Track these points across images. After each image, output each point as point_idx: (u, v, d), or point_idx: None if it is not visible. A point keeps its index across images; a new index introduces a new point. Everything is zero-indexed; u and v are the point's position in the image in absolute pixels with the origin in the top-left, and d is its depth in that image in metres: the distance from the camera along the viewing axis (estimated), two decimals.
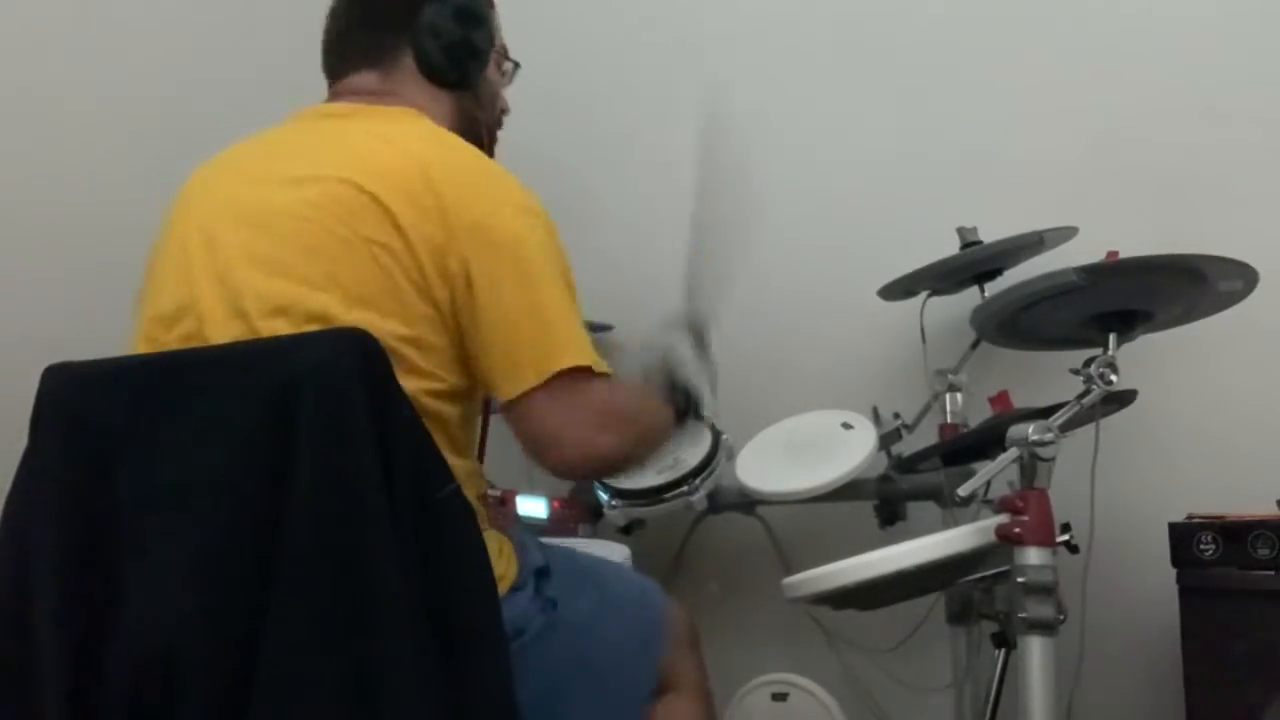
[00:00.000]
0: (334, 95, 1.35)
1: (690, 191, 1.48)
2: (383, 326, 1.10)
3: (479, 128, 1.38)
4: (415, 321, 1.14)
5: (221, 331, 1.14)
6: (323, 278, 1.13)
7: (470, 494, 1.15)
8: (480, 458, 1.33)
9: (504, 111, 1.46)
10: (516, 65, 1.47)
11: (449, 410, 1.18)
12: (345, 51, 1.35)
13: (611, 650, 1.28)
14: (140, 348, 1.20)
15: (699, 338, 1.43)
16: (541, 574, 1.26)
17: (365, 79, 1.33)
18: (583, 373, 1.17)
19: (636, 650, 1.32)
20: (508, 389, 1.16)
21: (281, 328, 1.11)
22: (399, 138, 1.23)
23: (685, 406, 1.33)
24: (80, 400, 1.06)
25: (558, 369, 1.15)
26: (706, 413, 1.37)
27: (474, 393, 1.23)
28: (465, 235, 1.15)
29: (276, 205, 1.18)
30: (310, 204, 1.16)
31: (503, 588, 1.16)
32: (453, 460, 1.11)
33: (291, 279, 1.14)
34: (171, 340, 1.17)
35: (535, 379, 1.15)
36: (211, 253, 1.18)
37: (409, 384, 1.07)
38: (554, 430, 1.17)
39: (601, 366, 1.19)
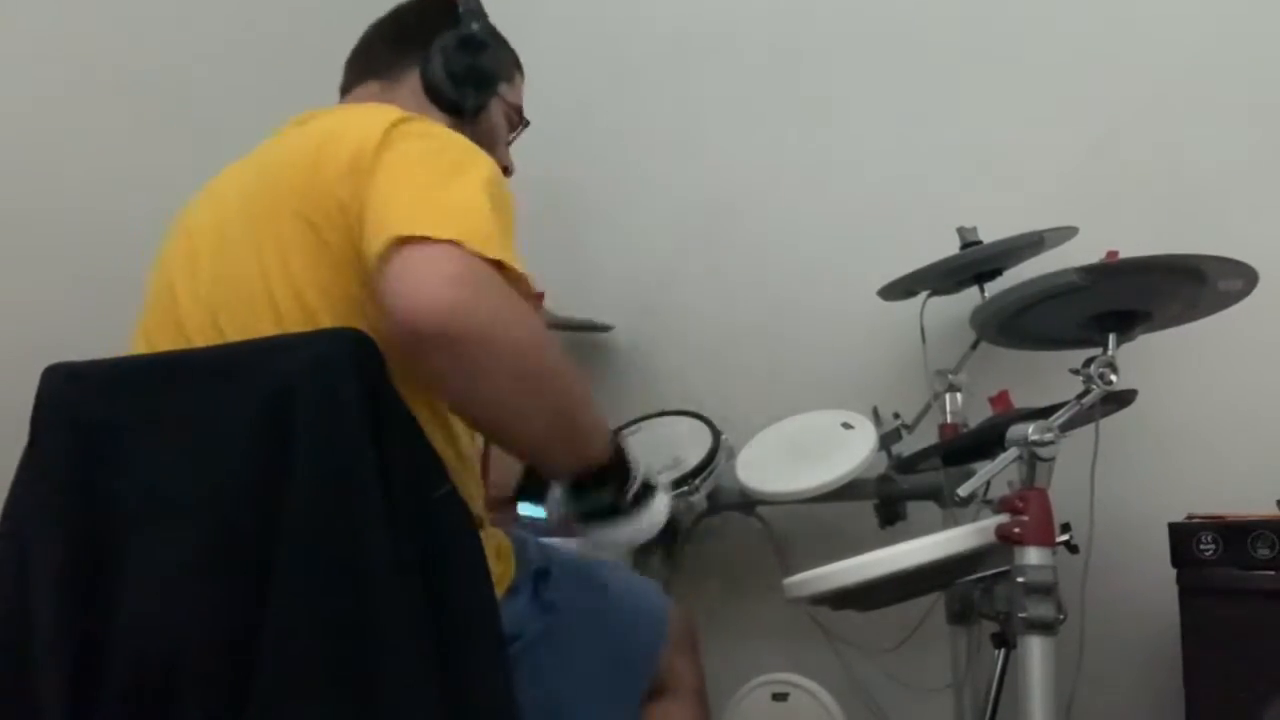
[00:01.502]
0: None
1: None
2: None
3: None
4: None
5: None
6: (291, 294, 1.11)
7: (472, 493, 1.15)
8: (485, 475, 1.32)
9: (507, 171, 1.44)
10: (526, 123, 1.48)
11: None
12: (360, 66, 1.39)
13: (609, 652, 1.28)
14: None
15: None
16: (540, 576, 1.26)
17: (368, 89, 1.36)
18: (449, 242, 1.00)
19: (634, 652, 1.32)
20: (373, 240, 1.01)
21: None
22: (329, 126, 1.19)
23: (619, 458, 1.17)
24: (80, 401, 1.06)
25: (407, 232, 0.99)
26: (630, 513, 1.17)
27: None
28: (348, 176, 1.08)
29: (232, 216, 1.17)
30: (251, 215, 1.15)
31: (500, 589, 1.16)
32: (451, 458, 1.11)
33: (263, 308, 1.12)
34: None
35: (394, 233, 0.99)
36: (193, 294, 1.17)
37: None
38: (405, 272, 0.98)
39: (486, 247, 1.00)
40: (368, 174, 1.07)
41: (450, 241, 0.98)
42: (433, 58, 1.34)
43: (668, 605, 1.40)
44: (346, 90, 1.39)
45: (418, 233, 0.98)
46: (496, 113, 1.42)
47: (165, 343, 1.15)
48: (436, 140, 1.14)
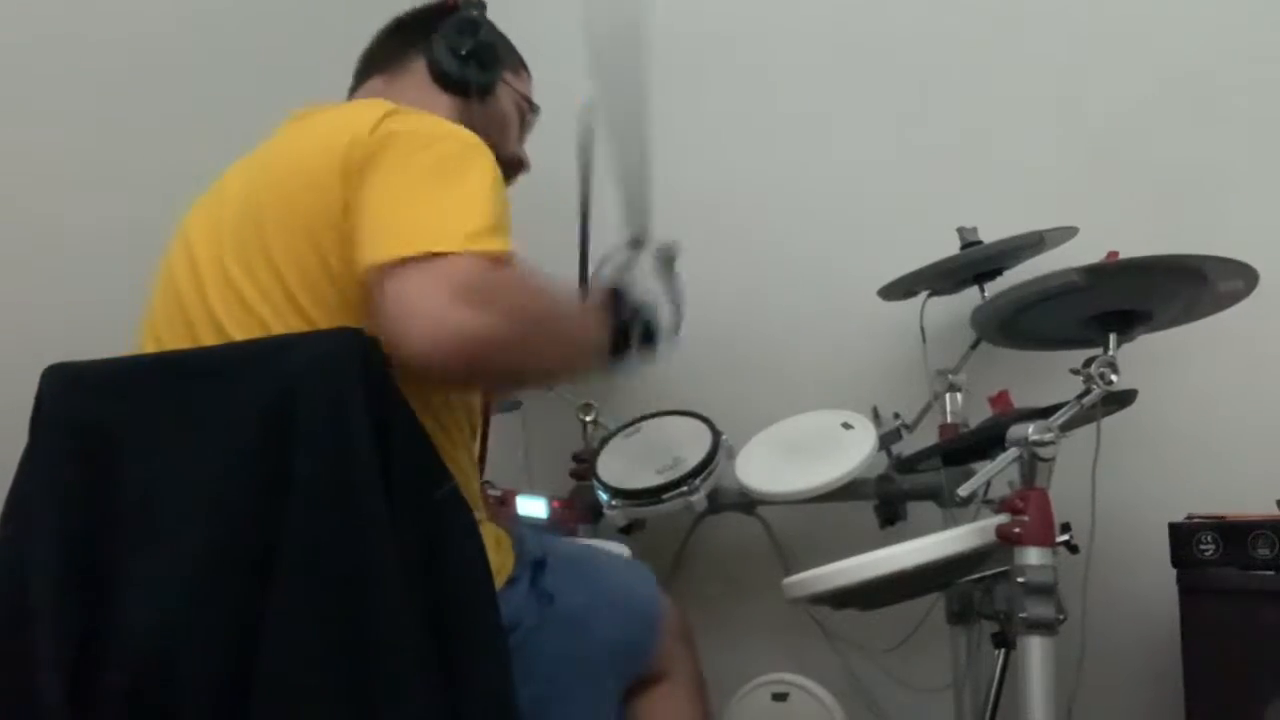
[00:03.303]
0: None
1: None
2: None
3: None
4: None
5: None
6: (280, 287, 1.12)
7: (468, 490, 1.15)
8: (481, 467, 1.33)
9: (523, 164, 1.47)
10: (536, 110, 1.49)
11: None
12: (364, 66, 1.41)
13: (605, 643, 1.29)
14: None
15: (664, 260, 1.37)
16: (538, 566, 1.27)
17: (372, 85, 1.38)
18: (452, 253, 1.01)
19: (629, 640, 1.33)
20: (364, 258, 1.03)
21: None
22: (319, 129, 1.19)
23: (632, 324, 1.22)
24: (80, 401, 1.06)
25: (415, 250, 1.00)
26: (663, 340, 1.26)
27: None
28: (339, 184, 1.09)
29: (231, 217, 1.18)
30: (250, 217, 1.15)
31: (500, 580, 1.17)
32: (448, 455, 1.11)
33: (258, 296, 1.12)
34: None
35: (385, 255, 1.00)
36: (196, 286, 1.17)
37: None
38: (402, 305, 0.99)
39: (479, 245, 1.01)
40: (357, 176, 1.07)
41: (436, 255, 0.99)
42: (436, 43, 1.36)
43: (660, 593, 1.41)
44: (353, 93, 1.41)
45: (400, 254, 0.99)
46: (506, 100, 1.43)
47: (175, 342, 1.16)
48: (423, 136, 1.13)
